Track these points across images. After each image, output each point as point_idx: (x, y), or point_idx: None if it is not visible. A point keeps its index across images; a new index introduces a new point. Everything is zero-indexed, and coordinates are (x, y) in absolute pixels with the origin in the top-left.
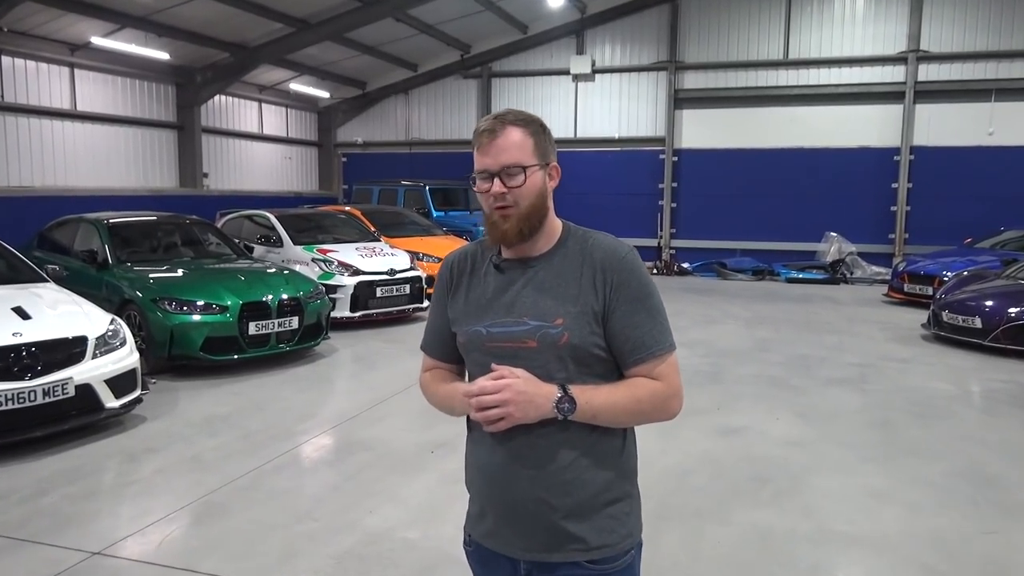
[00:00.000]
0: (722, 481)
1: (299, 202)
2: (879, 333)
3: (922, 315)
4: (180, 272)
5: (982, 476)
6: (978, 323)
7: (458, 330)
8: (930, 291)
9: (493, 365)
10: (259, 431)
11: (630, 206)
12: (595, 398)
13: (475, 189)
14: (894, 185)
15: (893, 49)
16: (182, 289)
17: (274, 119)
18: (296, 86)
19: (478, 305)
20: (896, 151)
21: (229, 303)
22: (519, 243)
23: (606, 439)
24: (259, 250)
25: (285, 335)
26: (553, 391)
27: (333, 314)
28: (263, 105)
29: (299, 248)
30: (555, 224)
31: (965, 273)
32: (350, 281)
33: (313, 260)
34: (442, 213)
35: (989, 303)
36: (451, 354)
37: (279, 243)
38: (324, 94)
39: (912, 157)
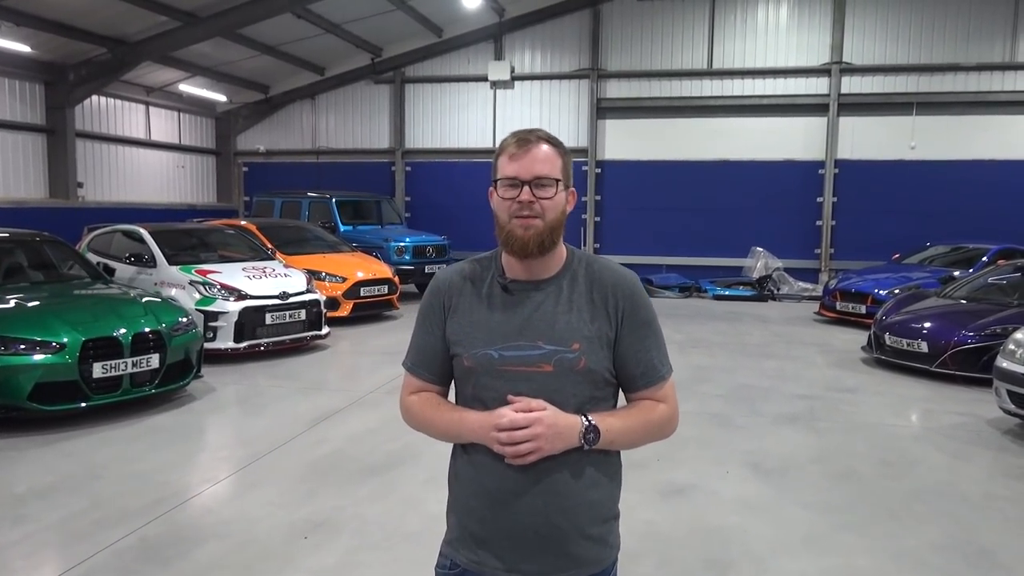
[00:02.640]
0: (673, 569)
1: (193, 215)
2: (819, 357)
3: (856, 334)
4: (11, 302)
5: (977, 549)
6: (924, 347)
7: (462, 353)
8: (863, 309)
9: (510, 397)
10: (83, 512)
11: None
12: (614, 425)
13: (499, 195)
14: (819, 199)
15: (816, 60)
16: (8, 323)
17: (164, 124)
18: (188, 88)
19: (487, 327)
20: (821, 164)
21: (67, 340)
22: (538, 255)
23: (608, 462)
24: (128, 271)
25: (143, 376)
26: (578, 422)
27: (215, 345)
28: (151, 108)
29: (175, 269)
30: (562, 246)
31: (897, 291)
32: (234, 307)
33: (191, 283)
34: (350, 228)
35: (934, 325)
36: (441, 376)
37: (152, 263)
38: (221, 97)
39: (837, 171)
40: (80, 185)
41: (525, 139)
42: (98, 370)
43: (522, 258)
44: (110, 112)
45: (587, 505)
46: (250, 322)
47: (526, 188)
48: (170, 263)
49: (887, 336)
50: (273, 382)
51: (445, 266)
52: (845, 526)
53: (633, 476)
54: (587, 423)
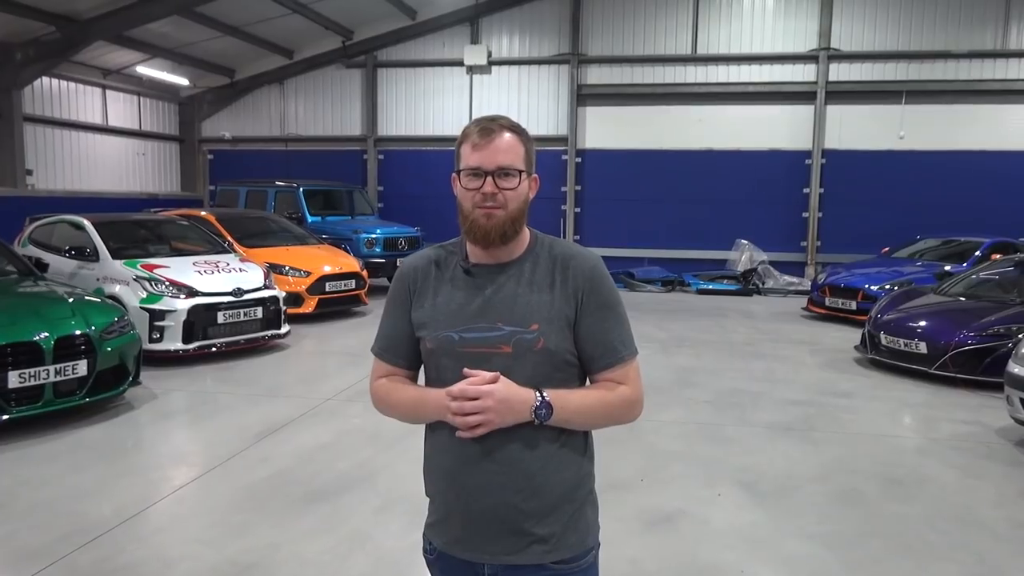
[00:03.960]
0: None
1: (154, 205)
2: (809, 357)
3: (847, 331)
4: None
5: None
6: (923, 348)
7: (426, 335)
8: (853, 305)
9: (465, 370)
10: None
11: (530, 210)
12: (569, 403)
13: (462, 185)
14: (806, 190)
15: (804, 46)
16: None
17: (123, 109)
18: (146, 70)
19: (448, 310)
20: (808, 154)
21: None
22: (500, 244)
23: (572, 440)
24: (69, 265)
25: (68, 385)
26: (531, 396)
27: (162, 346)
28: (108, 92)
29: (119, 263)
30: (526, 231)
31: (888, 286)
32: (182, 305)
33: (136, 279)
34: (318, 219)
35: (933, 325)
36: (409, 360)
37: (95, 256)
38: (183, 81)
39: (824, 161)
40: (29, 172)
41: (488, 128)
42: (14, 379)
43: (485, 247)
44: (63, 95)
45: (549, 485)
46: (200, 321)
47: (489, 179)
48: (115, 257)
49: (883, 336)
50: (223, 388)
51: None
52: (856, 565)
53: (615, 501)
54: (540, 398)
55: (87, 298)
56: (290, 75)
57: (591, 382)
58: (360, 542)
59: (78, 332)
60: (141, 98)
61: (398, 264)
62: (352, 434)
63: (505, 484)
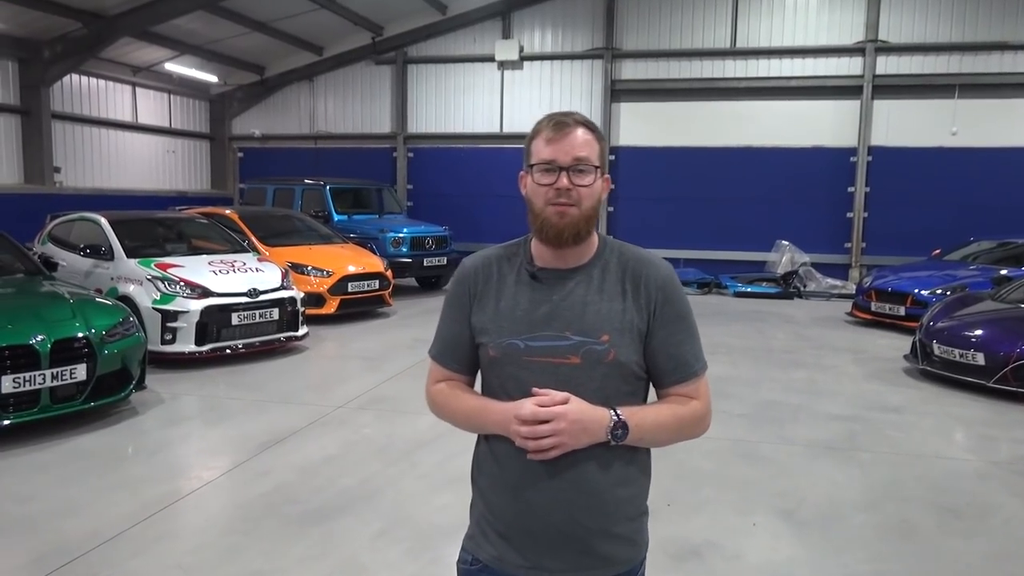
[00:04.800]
0: None
1: (183, 203)
2: (854, 367)
3: (894, 339)
4: None
5: None
6: (980, 359)
7: (489, 342)
8: (902, 311)
9: (534, 390)
10: None
11: None
12: (644, 421)
13: (534, 181)
14: (851, 189)
15: (849, 39)
16: None
17: (153, 106)
18: (176, 67)
19: (512, 316)
20: (853, 151)
21: None
22: (572, 245)
23: (638, 458)
24: (84, 264)
25: (66, 390)
26: (606, 416)
27: (174, 348)
28: (138, 89)
29: (133, 262)
30: (594, 234)
31: (939, 291)
32: (196, 306)
33: (150, 278)
34: (345, 217)
35: (991, 334)
36: (468, 365)
37: (110, 255)
38: (211, 78)
39: (870, 158)
40: (57, 170)
41: (562, 122)
42: (8, 384)
43: (556, 247)
44: (93, 93)
45: (615, 503)
46: (214, 323)
47: (563, 174)
48: (130, 256)
49: (935, 345)
50: (233, 393)
51: (445, 258)
52: None
53: None
54: (616, 418)
55: (96, 299)
56: (320, 72)
57: (660, 396)
58: (353, 573)
59: (78, 335)
60: (171, 95)
61: (426, 264)
62: (360, 445)
63: (573, 501)
